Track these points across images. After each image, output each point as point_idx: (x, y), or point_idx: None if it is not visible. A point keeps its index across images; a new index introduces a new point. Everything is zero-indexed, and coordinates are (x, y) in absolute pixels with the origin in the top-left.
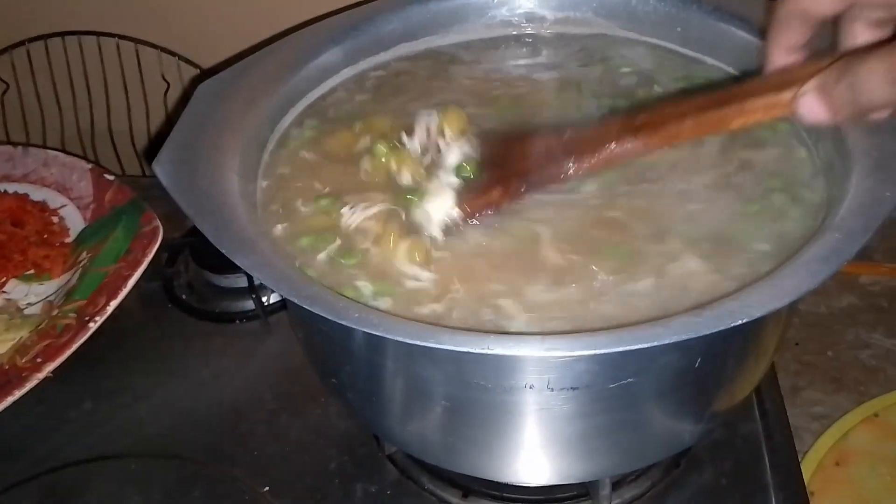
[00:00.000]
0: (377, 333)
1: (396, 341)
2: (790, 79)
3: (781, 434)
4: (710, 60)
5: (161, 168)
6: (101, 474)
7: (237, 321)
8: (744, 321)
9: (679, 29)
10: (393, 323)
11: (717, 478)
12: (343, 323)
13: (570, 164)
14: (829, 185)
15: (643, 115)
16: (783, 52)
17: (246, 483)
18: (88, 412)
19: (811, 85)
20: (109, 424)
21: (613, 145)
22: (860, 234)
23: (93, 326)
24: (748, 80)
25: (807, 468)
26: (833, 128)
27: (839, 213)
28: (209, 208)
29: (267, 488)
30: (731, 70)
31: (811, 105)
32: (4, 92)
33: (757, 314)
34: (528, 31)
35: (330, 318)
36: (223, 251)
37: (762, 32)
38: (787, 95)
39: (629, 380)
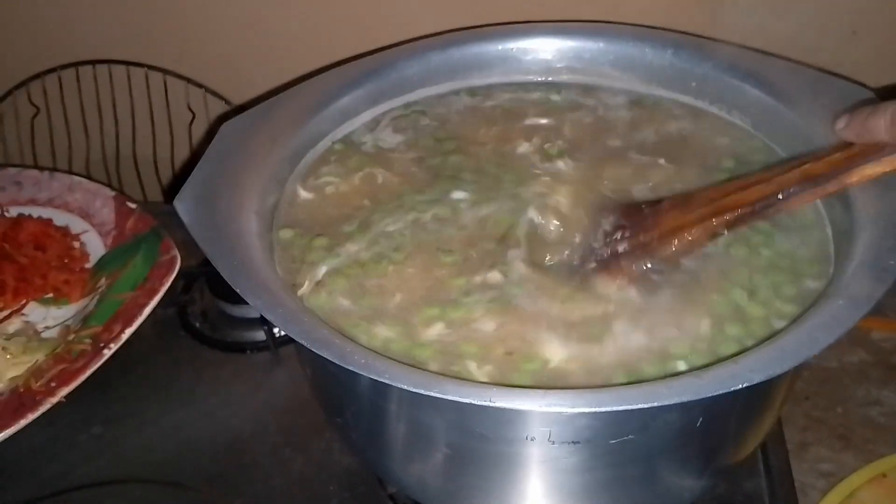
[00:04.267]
0: (382, 380)
1: (401, 388)
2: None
3: (785, 493)
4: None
5: (182, 205)
6: (108, 499)
7: (248, 351)
8: (743, 385)
9: (694, 84)
10: (398, 371)
11: None
12: (350, 368)
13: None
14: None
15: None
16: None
17: None
18: (97, 436)
19: None
20: (117, 449)
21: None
22: (864, 301)
23: (107, 353)
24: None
25: None
26: (842, 192)
27: (844, 278)
28: (226, 247)
29: None
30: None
31: None
32: (35, 116)
33: (757, 379)
34: (546, 79)
35: (337, 362)
36: (237, 290)
37: (774, 91)
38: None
39: (630, 436)
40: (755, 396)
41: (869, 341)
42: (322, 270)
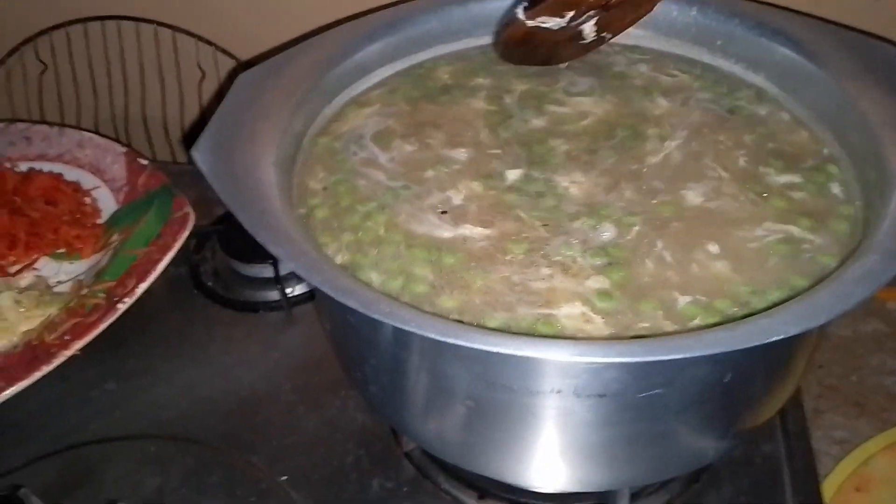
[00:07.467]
0: (408, 329)
1: (425, 337)
2: None
3: (803, 456)
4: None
5: (199, 155)
6: (121, 454)
7: (260, 311)
8: (776, 338)
9: (719, 42)
10: (424, 319)
11: (736, 495)
12: (374, 317)
13: None
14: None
15: None
16: None
17: (263, 471)
18: (110, 392)
19: None
20: (131, 405)
21: None
22: None
23: (121, 307)
24: None
25: (826, 492)
26: (875, 149)
27: (877, 234)
28: (246, 197)
29: (285, 477)
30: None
31: None
32: (42, 73)
33: (790, 332)
34: None
35: (362, 311)
36: (259, 240)
37: (804, 49)
38: None
39: (658, 390)
40: (783, 354)
41: (884, 311)
42: None
